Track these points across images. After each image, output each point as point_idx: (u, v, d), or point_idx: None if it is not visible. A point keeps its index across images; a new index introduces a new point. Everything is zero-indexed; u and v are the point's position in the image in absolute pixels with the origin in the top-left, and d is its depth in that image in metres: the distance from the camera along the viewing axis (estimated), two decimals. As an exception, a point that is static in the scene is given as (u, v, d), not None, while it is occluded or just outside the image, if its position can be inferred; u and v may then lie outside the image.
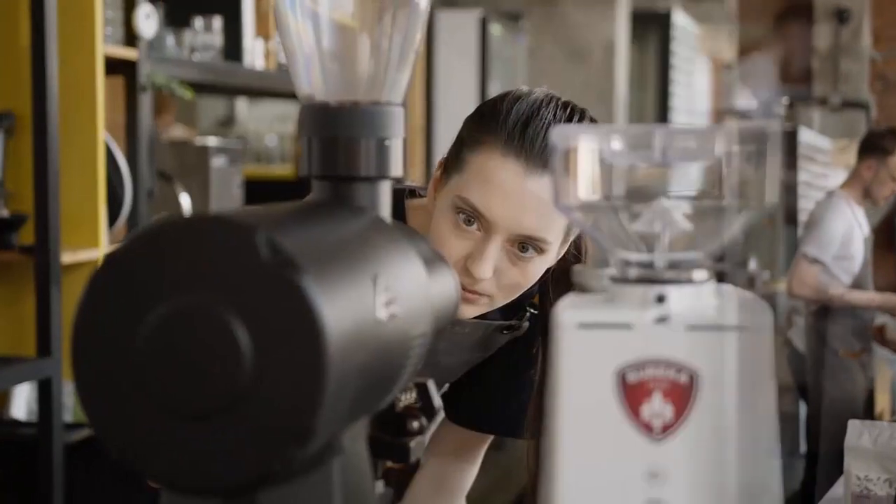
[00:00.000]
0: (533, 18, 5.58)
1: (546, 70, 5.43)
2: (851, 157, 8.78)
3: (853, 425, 1.98)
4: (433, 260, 0.87)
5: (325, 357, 0.60)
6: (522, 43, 5.32)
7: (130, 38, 2.70)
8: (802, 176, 6.96)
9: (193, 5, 3.04)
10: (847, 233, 4.20)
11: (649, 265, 0.72)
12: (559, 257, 1.34)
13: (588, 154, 0.72)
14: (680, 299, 0.70)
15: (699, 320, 0.69)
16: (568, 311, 0.70)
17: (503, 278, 1.27)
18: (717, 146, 0.70)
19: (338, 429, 0.68)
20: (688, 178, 0.73)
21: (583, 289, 0.83)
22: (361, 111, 0.82)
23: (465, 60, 4.97)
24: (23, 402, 2.63)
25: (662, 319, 0.69)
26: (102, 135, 2.53)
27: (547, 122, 1.24)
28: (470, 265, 1.25)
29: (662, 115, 7.59)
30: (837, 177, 8.71)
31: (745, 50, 10.09)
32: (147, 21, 2.67)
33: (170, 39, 2.97)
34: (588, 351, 0.69)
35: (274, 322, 0.61)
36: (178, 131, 3.91)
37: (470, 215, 1.24)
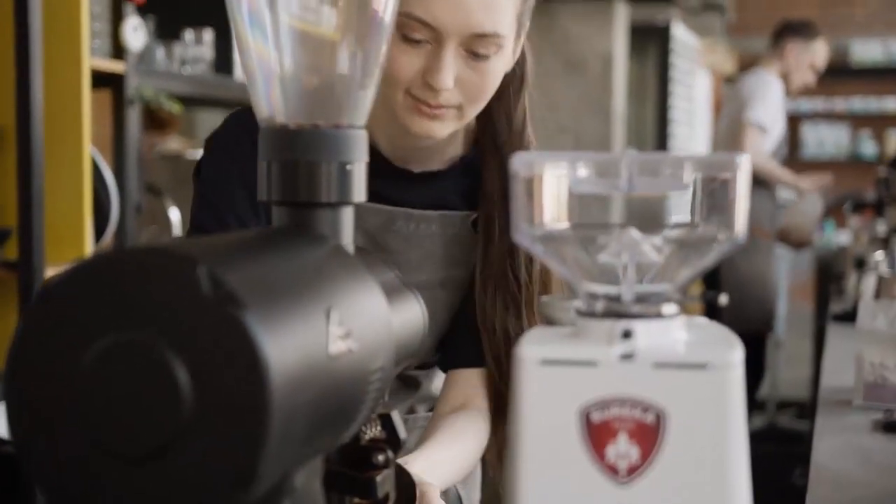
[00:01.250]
0: (530, 31, 5.56)
1: (543, 82, 5.40)
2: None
3: (865, 306, 1.86)
4: (397, 289, 0.84)
5: (267, 395, 0.57)
6: (519, 56, 5.29)
7: (118, 50, 2.67)
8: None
9: (184, 18, 3.02)
10: (778, 104, 4.30)
11: (616, 298, 0.69)
12: (516, 57, 1.31)
13: (552, 182, 0.69)
14: (647, 334, 0.67)
15: (666, 357, 0.66)
16: (530, 346, 0.67)
17: (466, 85, 1.22)
18: (685, 175, 0.67)
19: (287, 468, 0.65)
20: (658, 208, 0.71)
21: (549, 321, 0.80)
22: (322, 134, 0.79)
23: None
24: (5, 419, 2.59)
25: (628, 356, 0.66)
26: (89, 148, 2.50)
27: None
28: (429, 78, 1.20)
29: (661, 127, 7.56)
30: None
31: (745, 63, 10.09)
32: (135, 34, 2.64)
33: (160, 52, 2.95)
34: (551, 388, 0.66)
35: (214, 359, 0.58)
36: (174, 143, 3.89)
37: (415, 30, 1.19)
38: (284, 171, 0.79)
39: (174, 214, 2.97)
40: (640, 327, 0.67)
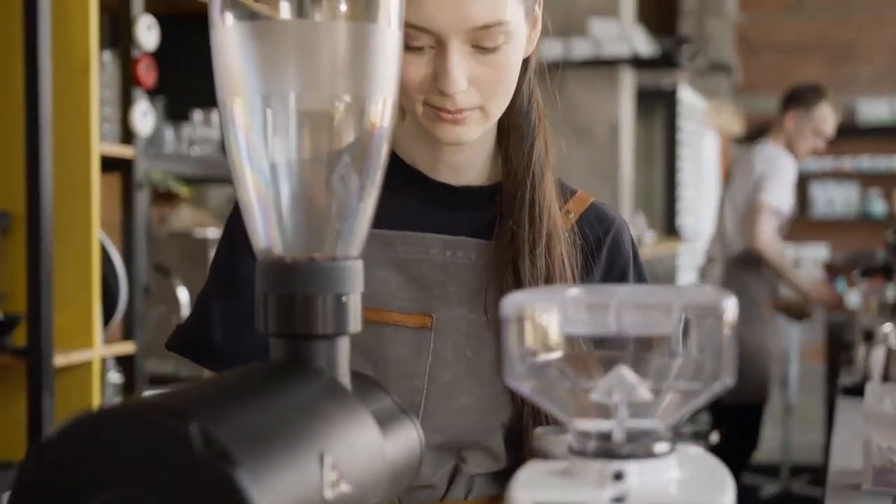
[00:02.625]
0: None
1: (550, 150, 5.43)
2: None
3: (872, 388, 1.82)
4: (392, 416, 0.84)
5: (260, 555, 0.58)
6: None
7: (127, 135, 2.70)
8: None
9: (193, 99, 3.06)
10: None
11: (608, 436, 0.70)
12: (533, 43, 1.22)
13: (542, 323, 0.70)
14: (639, 475, 0.67)
15: (659, 500, 0.66)
16: (524, 489, 0.68)
17: (481, 83, 1.14)
18: (673, 319, 0.68)
19: None
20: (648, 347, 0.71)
21: (543, 454, 0.80)
22: (318, 268, 0.80)
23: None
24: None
25: (619, 500, 0.66)
26: (97, 234, 2.52)
27: None
28: (440, 84, 1.12)
29: (670, 190, 7.59)
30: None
31: (753, 123, 10.15)
32: (144, 119, 2.68)
33: (168, 133, 2.98)
34: (544, 531, 0.66)
35: (207, 518, 0.58)
36: (185, 213, 3.91)
37: (415, 38, 1.12)
38: (281, 304, 0.80)
39: (182, 294, 2.98)
40: (631, 468, 0.67)
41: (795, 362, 5.99)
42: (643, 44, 5.61)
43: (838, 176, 10.20)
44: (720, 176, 9.74)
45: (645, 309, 0.69)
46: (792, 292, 4.65)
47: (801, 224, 10.36)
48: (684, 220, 7.70)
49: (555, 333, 0.70)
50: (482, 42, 1.12)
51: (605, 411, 0.70)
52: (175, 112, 3.05)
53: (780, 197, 4.23)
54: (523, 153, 1.24)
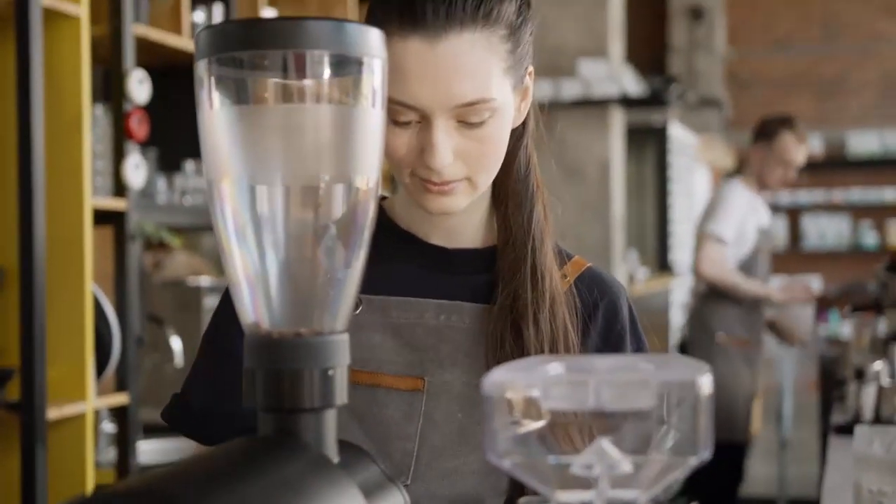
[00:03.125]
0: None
1: (549, 215, 5.47)
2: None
3: (861, 431, 1.82)
4: (380, 485, 0.85)
5: None
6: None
7: (120, 188, 2.72)
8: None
9: (185, 150, 3.08)
10: (743, 216, 4.29)
11: (589, 509, 0.71)
12: (523, 113, 1.23)
13: (523, 399, 0.71)
14: (620, 547, 0.69)
15: (638, 572, 0.67)
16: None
17: (468, 156, 1.14)
18: (650, 395, 0.70)
19: None
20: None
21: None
22: (304, 343, 0.82)
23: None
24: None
25: (601, 573, 0.68)
26: (90, 287, 2.54)
27: None
28: (425, 159, 1.13)
29: (661, 226, 7.62)
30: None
31: (744, 157, 10.21)
32: (136, 172, 2.70)
33: (161, 183, 3.00)
34: None
35: None
36: (180, 258, 3.92)
37: (401, 113, 1.13)
38: (269, 379, 0.81)
39: (176, 343, 3.00)
40: (612, 540, 0.69)
41: (790, 396, 6.00)
42: (632, 83, 5.66)
43: (829, 208, 10.25)
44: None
45: (623, 385, 0.71)
46: (780, 316, 4.65)
47: (794, 256, 10.40)
48: (676, 255, 7.73)
49: (536, 409, 0.72)
50: (467, 118, 1.13)
51: (586, 483, 0.72)
52: (167, 163, 3.07)
53: (722, 225, 4.24)
54: (522, 219, 1.24)
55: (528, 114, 1.26)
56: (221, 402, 1.21)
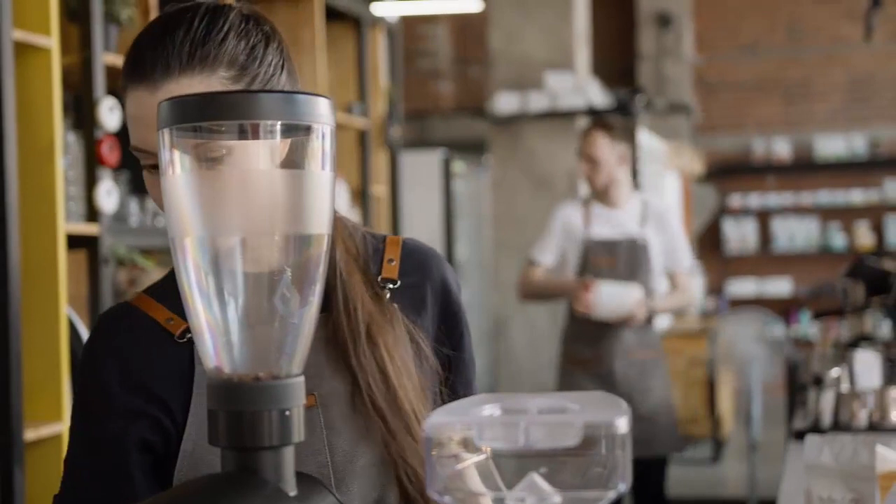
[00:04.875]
0: (498, 150, 5.73)
1: (511, 199, 5.56)
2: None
3: (812, 440, 1.89)
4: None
5: None
6: (486, 176, 5.45)
7: (92, 213, 2.78)
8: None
9: (155, 172, 3.14)
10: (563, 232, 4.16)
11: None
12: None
13: (459, 440, 0.79)
14: (548, 573, 0.76)
15: None
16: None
17: None
18: (576, 436, 0.77)
19: None
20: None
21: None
22: (263, 386, 0.89)
23: (430, 197, 5.08)
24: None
25: None
26: (65, 310, 2.60)
27: (169, 23, 1.20)
28: None
29: (632, 232, 7.69)
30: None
31: (713, 162, 10.34)
32: (108, 196, 2.76)
33: (133, 206, 3.06)
34: None
35: None
36: (155, 275, 3.97)
37: (143, 157, 1.20)
38: (230, 420, 0.89)
39: (150, 362, 3.05)
40: (541, 567, 0.76)
41: (758, 399, 6.10)
42: (598, 95, 5.75)
43: (798, 211, 10.38)
44: (682, 215, 9.90)
45: (551, 426, 0.79)
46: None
47: (764, 259, 10.53)
48: (647, 261, 7.81)
49: (471, 449, 0.79)
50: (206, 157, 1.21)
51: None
52: (139, 185, 3.13)
53: (537, 247, 4.23)
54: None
55: None
56: (118, 496, 1.22)
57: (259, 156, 0.88)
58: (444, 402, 1.30)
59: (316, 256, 0.91)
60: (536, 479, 0.79)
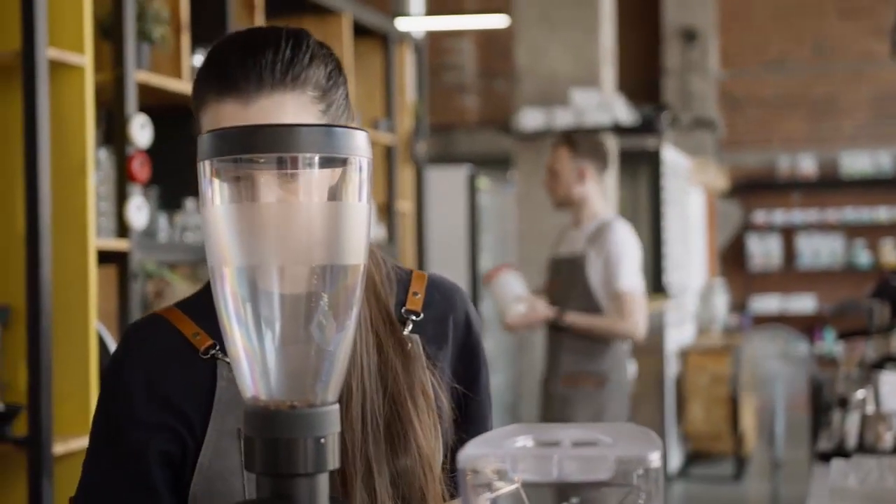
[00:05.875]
0: (523, 166, 5.74)
1: (536, 215, 5.56)
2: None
3: (837, 465, 1.90)
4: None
5: None
6: (511, 192, 5.45)
7: (123, 229, 2.81)
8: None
9: (185, 188, 3.17)
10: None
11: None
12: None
13: (493, 472, 0.80)
14: None
15: None
16: None
17: None
18: (608, 470, 0.78)
19: None
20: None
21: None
22: (299, 415, 0.90)
23: (454, 213, 5.09)
24: None
25: None
26: (94, 325, 2.63)
27: (255, 41, 1.22)
28: None
29: (656, 248, 7.69)
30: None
31: (737, 178, 10.32)
32: (139, 212, 2.79)
33: (163, 221, 3.09)
34: None
35: None
36: (181, 287, 3.99)
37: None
38: (266, 447, 0.90)
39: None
40: None
41: (782, 417, 6.08)
42: (623, 112, 5.75)
43: (823, 228, 10.34)
44: (707, 231, 9.89)
45: (584, 459, 0.80)
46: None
47: (788, 276, 10.49)
48: (671, 276, 7.81)
49: (505, 480, 0.80)
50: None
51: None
52: (168, 201, 3.16)
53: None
54: None
55: None
56: None
57: (297, 188, 0.90)
58: (456, 434, 1.31)
59: (352, 285, 0.92)
60: (570, 509, 0.80)
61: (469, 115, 10.28)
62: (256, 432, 0.90)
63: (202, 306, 1.25)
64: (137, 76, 2.87)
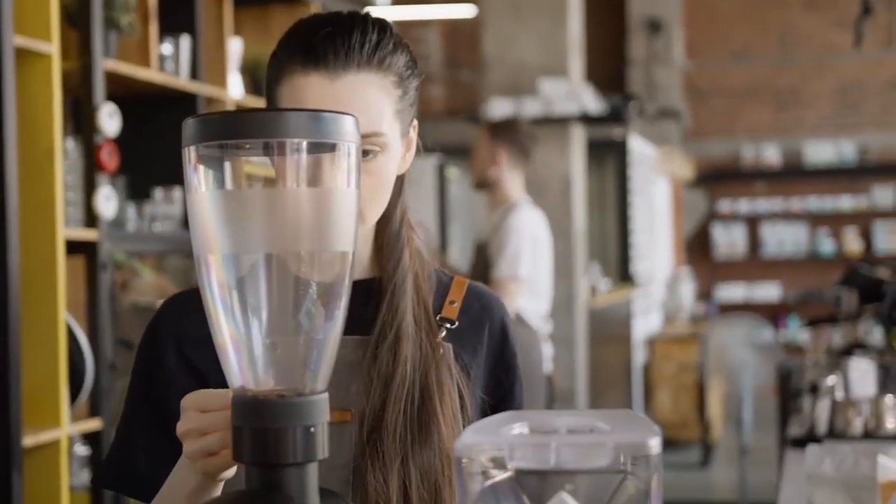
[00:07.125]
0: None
1: (418, 259, 5.52)
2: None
3: (812, 450, 1.90)
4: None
5: None
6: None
7: (91, 218, 2.77)
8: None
9: (154, 178, 3.14)
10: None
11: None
12: (407, 163, 1.30)
13: (489, 460, 0.79)
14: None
15: None
16: None
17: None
18: (606, 456, 0.77)
19: None
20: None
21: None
22: (287, 403, 0.89)
23: (424, 203, 5.07)
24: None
25: None
26: (63, 316, 2.59)
27: (343, 21, 1.24)
28: None
29: (623, 237, 7.72)
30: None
31: (703, 167, 10.37)
32: (107, 202, 2.75)
33: (131, 211, 3.06)
34: None
35: None
36: (148, 278, 3.95)
37: None
38: (255, 437, 0.89)
39: (147, 368, 3.04)
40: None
41: (749, 402, 6.11)
42: (591, 101, 5.75)
43: (787, 216, 10.41)
44: (672, 220, 9.94)
45: (582, 446, 0.79)
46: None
47: (753, 264, 10.55)
48: (638, 265, 7.84)
49: (501, 468, 0.79)
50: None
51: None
52: (137, 191, 3.13)
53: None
54: (390, 267, 1.31)
55: (405, 173, 1.33)
56: (168, 465, 1.23)
57: (284, 174, 0.88)
58: None
59: (341, 273, 0.91)
60: (566, 497, 0.79)
61: (436, 105, 10.26)
62: (245, 422, 0.89)
63: None
64: (105, 64, 2.83)
